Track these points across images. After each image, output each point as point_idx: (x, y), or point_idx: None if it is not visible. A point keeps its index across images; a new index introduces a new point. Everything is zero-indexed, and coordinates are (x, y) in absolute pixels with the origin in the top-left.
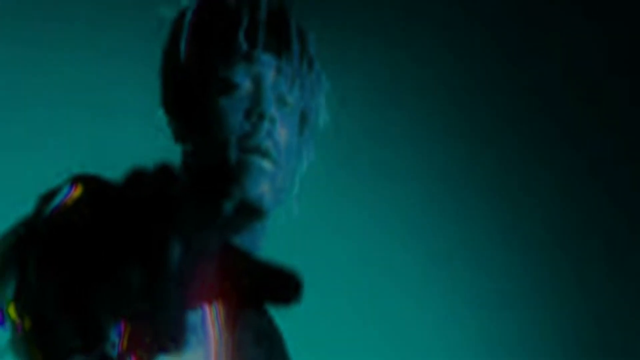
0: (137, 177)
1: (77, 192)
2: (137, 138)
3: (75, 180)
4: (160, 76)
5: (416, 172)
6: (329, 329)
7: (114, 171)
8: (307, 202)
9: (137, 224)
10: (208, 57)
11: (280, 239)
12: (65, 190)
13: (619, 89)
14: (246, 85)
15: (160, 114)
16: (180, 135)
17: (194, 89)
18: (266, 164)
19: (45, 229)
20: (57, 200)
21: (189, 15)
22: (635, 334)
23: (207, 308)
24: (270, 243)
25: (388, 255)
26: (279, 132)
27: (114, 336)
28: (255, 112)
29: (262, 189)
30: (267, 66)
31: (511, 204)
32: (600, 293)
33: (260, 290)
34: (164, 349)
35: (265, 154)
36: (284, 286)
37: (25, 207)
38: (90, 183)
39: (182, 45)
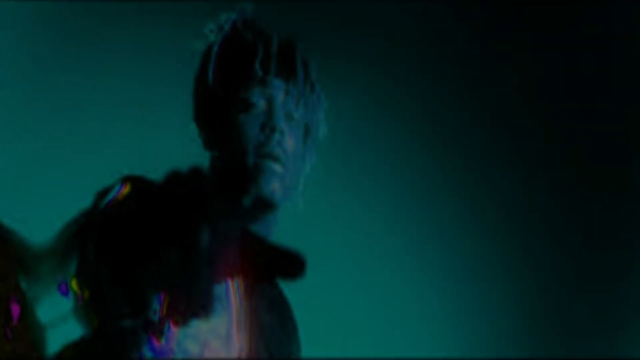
0: (174, 177)
1: (126, 189)
2: (174, 146)
3: (125, 179)
4: (192, 97)
5: (395, 172)
6: (326, 297)
7: (156, 173)
8: (309, 197)
9: (175, 214)
10: (231, 82)
11: (288, 226)
12: (116, 188)
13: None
14: (261, 104)
15: (192, 127)
16: (208, 144)
17: (219, 107)
18: (277, 167)
19: (101, 219)
20: (110, 195)
21: (215, 49)
22: (573, 302)
23: (230, 281)
24: (280, 230)
25: (372, 237)
26: (287, 142)
27: (155, 304)
28: (268, 125)
29: (273, 186)
30: (278, 89)
31: (473, 196)
32: (542, 268)
33: (272, 267)
34: (196, 315)
35: (276, 159)
36: (291, 264)
37: (85, 202)
38: (137, 182)
39: (210, 73)
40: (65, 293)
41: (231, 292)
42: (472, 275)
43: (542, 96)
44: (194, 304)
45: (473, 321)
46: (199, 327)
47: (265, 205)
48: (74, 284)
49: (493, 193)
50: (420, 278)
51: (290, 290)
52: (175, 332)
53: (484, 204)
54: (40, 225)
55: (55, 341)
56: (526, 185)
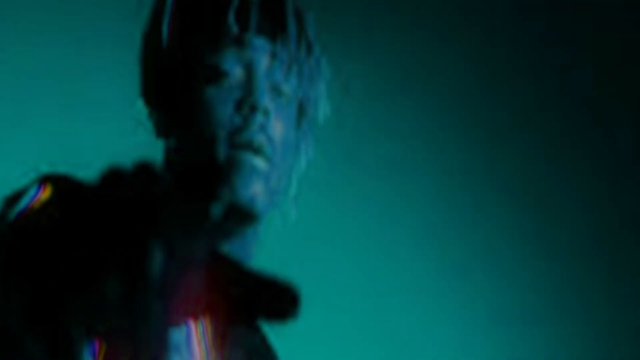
0: (113, 176)
1: (45, 193)
2: (113, 133)
3: (44, 180)
4: (139, 63)
5: (428, 169)
6: (329, 347)
7: (87, 170)
8: (305, 205)
9: (114, 228)
10: (194, 41)
11: (275, 246)
12: (32, 191)
13: None
14: (237, 72)
15: (139, 106)
16: (162, 129)
17: (178, 77)
18: (259, 162)
19: (10, 234)
20: (24, 202)
21: None
22: None
23: (192, 324)
24: (264, 251)
25: (397, 265)
26: (274, 126)
27: (87, 356)
28: (246, 103)
29: (254, 189)
30: (260, 51)
31: (535, 205)
32: (637, 307)
33: (253, 303)
34: None
35: (258, 151)
36: (279, 299)
37: None
38: (61, 183)
39: (165, 28)
40: None
41: (194, 339)
42: (536, 315)
43: (631, 62)
44: (142, 354)
45: None
46: None
47: (242, 216)
48: None
49: (566, 199)
50: (464, 318)
51: (278, 336)
52: None
53: (554, 215)
54: None
55: None
56: (616, 189)
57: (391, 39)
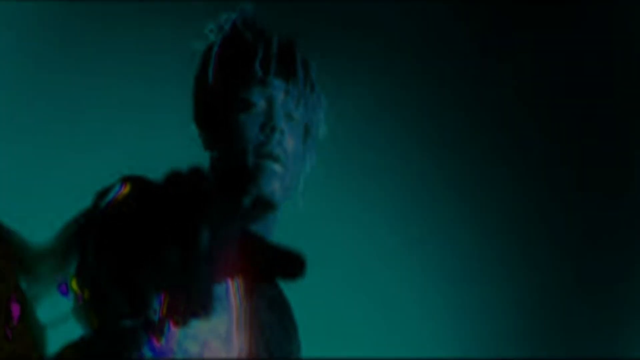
0: (174, 177)
1: (126, 189)
2: (175, 146)
3: (125, 180)
4: (192, 97)
5: (399, 171)
6: (326, 296)
7: (156, 173)
8: (309, 197)
9: (175, 214)
10: (231, 82)
11: (288, 226)
12: (116, 188)
13: (565, 104)
14: (261, 104)
15: (192, 128)
16: (208, 144)
17: (219, 107)
18: (277, 167)
19: (101, 219)
20: (110, 196)
21: (215, 49)
22: (573, 301)
23: (230, 282)
24: (280, 230)
25: (373, 238)
26: (288, 142)
27: (155, 304)
28: (268, 125)
29: (273, 187)
30: (278, 89)
31: (473, 197)
32: (542, 268)
33: (272, 267)
34: (196, 315)
35: (276, 159)
36: (291, 264)
37: (85, 202)
38: (137, 182)
39: (210, 72)
40: (65, 293)
41: (231, 292)
42: (472, 275)
43: (542, 96)
44: (194, 304)
45: (473, 321)
46: (198, 327)
47: (265, 206)
48: (74, 284)
49: (493, 194)
50: (421, 278)
51: (290, 290)
52: (175, 332)
53: (484, 205)
54: (40, 225)
55: (55, 341)
56: (526, 186)
57: (371, 81)
